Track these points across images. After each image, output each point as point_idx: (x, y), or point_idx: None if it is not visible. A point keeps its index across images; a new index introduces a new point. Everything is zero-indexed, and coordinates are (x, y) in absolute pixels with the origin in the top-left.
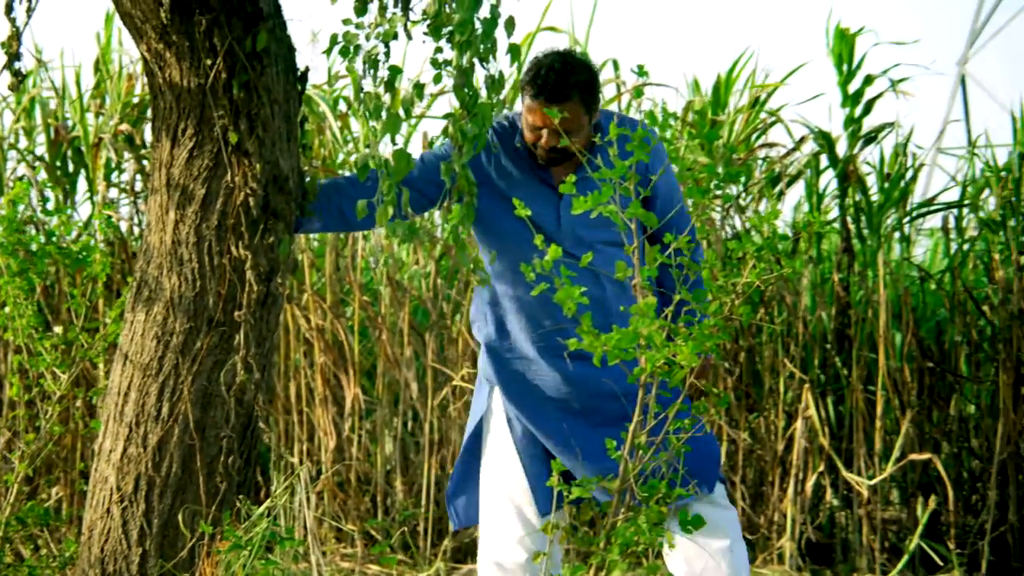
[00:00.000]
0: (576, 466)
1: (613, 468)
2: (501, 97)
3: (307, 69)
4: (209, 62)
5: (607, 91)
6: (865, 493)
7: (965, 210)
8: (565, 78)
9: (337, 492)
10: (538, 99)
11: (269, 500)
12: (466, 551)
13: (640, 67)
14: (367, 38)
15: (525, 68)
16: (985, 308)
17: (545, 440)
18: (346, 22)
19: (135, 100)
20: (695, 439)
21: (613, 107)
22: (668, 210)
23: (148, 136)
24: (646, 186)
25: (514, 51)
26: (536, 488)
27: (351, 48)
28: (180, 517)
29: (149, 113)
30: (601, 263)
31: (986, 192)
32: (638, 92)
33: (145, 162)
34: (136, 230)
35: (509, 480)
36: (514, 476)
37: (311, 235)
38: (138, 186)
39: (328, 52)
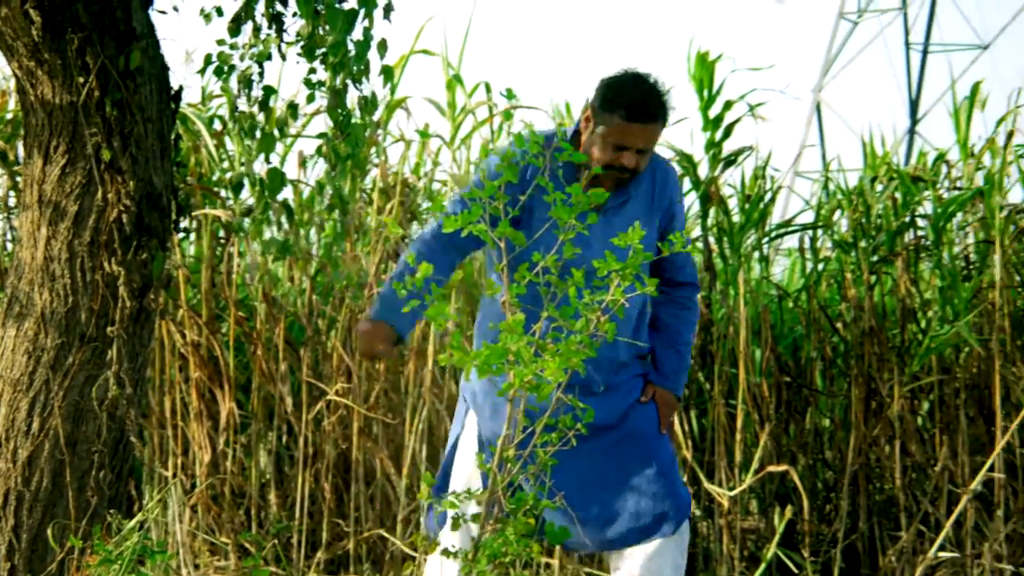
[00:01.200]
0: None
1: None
2: (375, 118)
3: (181, 88)
4: (81, 80)
5: (479, 113)
6: (726, 504)
7: (819, 231)
8: (660, 99)
9: (211, 505)
10: (639, 122)
11: (140, 513)
12: (339, 563)
13: (509, 90)
14: (241, 58)
15: (610, 93)
16: (838, 325)
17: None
18: (220, 42)
19: (8, 116)
20: (676, 475)
21: (484, 130)
22: (682, 230)
23: (21, 153)
24: (670, 213)
25: (387, 73)
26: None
27: (225, 68)
28: (50, 532)
29: (22, 130)
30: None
31: (839, 214)
32: (507, 115)
33: (18, 178)
34: (9, 246)
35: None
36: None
37: (186, 251)
38: (11, 202)
39: (202, 72)
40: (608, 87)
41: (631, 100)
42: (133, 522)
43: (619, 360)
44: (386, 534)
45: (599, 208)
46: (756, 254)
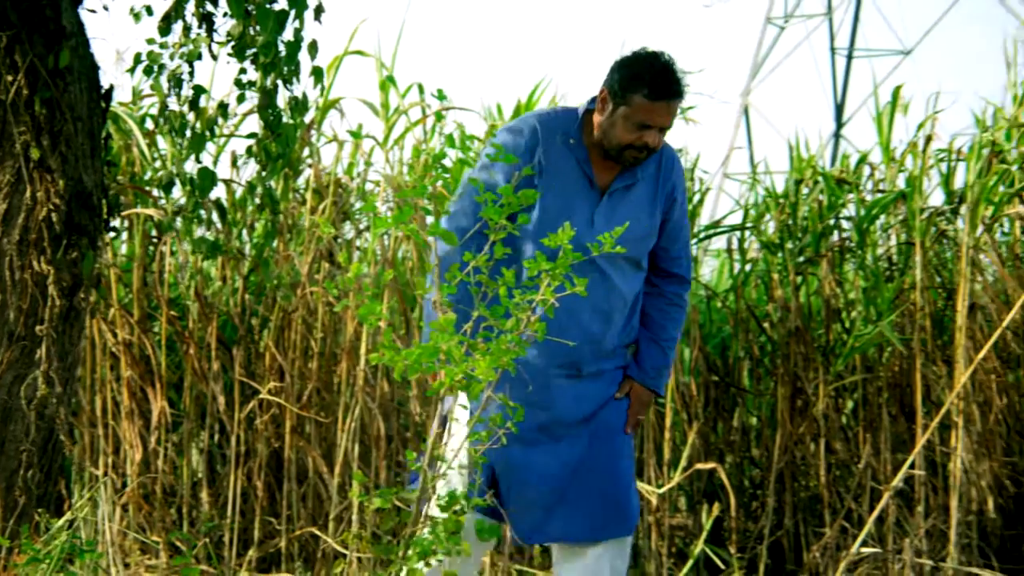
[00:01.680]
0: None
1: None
2: (306, 118)
3: (111, 87)
4: (10, 78)
5: (412, 114)
6: (654, 501)
7: (747, 233)
8: (680, 75)
9: (143, 504)
10: (658, 99)
11: (69, 512)
12: (271, 561)
13: (440, 92)
14: (171, 57)
15: (631, 72)
16: (765, 325)
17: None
18: (150, 41)
19: None
20: (633, 479)
21: (417, 130)
22: (680, 222)
23: None
24: (672, 198)
25: (317, 73)
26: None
27: (155, 67)
28: None
29: None
30: (618, 276)
31: (766, 216)
32: (439, 116)
33: None
34: None
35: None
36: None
37: (118, 250)
38: None
39: (132, 71)
40: (627, 67)
41: (653, 78)
42: (62, 521)
43: (611, 346)
44: (318, 532)
45: (605, 190)
46: None
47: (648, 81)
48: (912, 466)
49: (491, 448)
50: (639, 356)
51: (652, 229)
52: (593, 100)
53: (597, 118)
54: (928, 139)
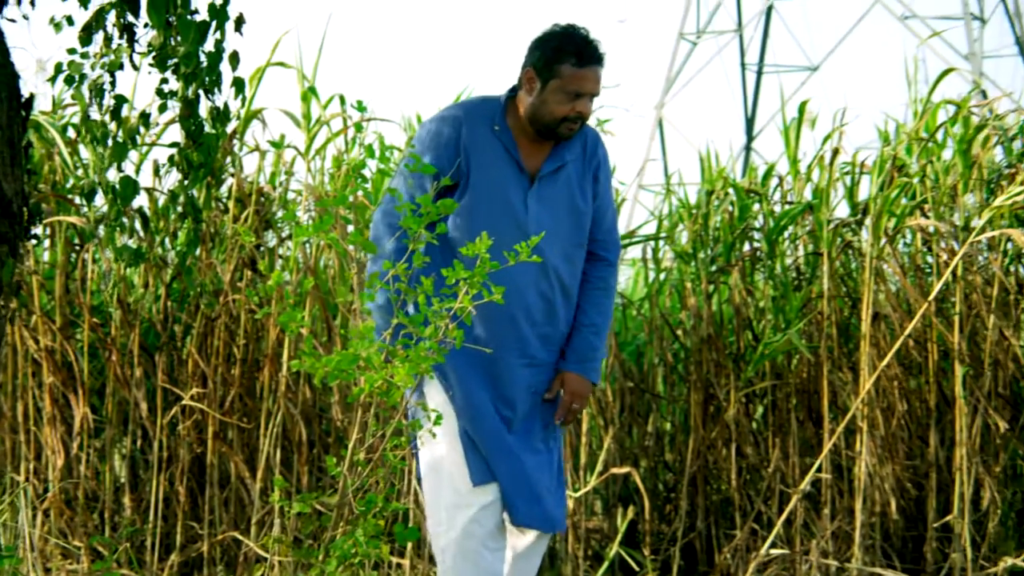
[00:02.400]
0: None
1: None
2: (227, 128)
3: (32, 96)
4: None
5: (333, 125)
6: (571, 505)
7: (661, 242)
8: (598, 43)
9: (64, 509)
10: (586, 65)
11: None
12: (193, 565)
13: (360, 103)
14: (92, 67)
15: (552, 45)
16: (679, 333)
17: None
18: (71, 51)
19: None
20: (562, 477)
21: (339, 141)
22: (605, 204)
23: None
24: (597, 176)
25: (238, 84)
26: (470, 460)
27: (76, 77)
28: None
29: None
30: (559, 258)
31: (680, 226)
32: (359, 127)
33: None
34: None
35: (448, 459)
36: (453, 454)
37: (41, 257)
38: None
39: (52, 80)
40: (549, 42)
41: (578, 47)
42: None
43: (560, 334)
44: (240, 536)
45: (533, 176)
46: None
47: (574, 51)
48: (819, 470)
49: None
50: (567, 344)
51: (587, 209)
52: (513, 88)
53: (525, 99)
54: (834, 152)
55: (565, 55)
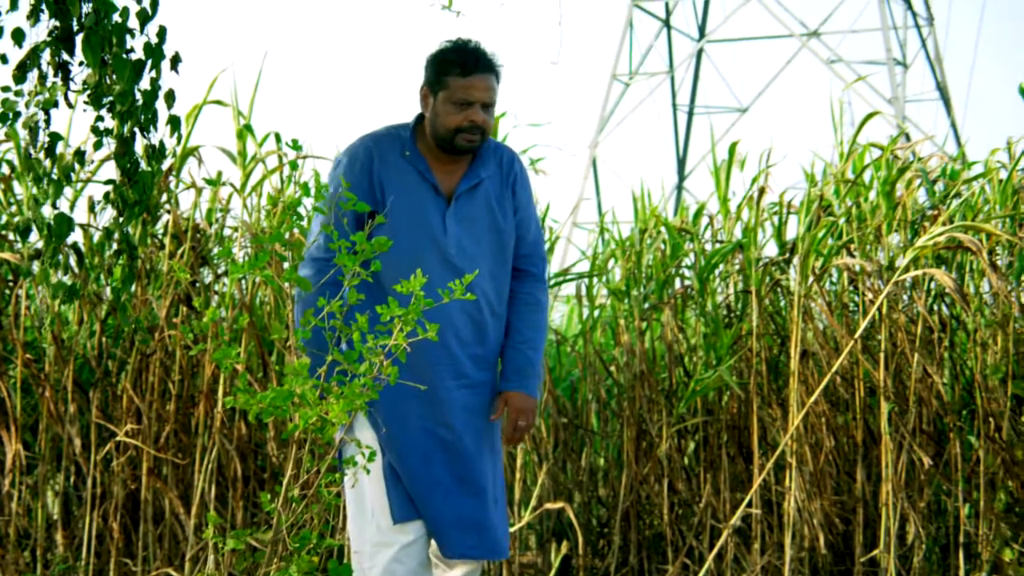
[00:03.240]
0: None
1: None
2: (164, 166)
3: None
4: None
5: (269, 162)
6: None
7: (595, 280)
8: (487, 52)
9: None
10: (475, 74)
11: None
12: None
13: (295, 141)
14: (27, 105)
15: (439, 59)
16: (612, 369)
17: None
18: (5, 89)
19: None
20: (503, 503)
21: (275, 178)
22: (527, 219)
23: None
24: (515, 193)
25: (174, 122)
26: (392, 498)
27: (10, 115)
28: None
29: None
30: (484, 277)
31: (612, 263)
32: (294, 165)
33: None
34: None
35: (371, 496)
36: (376, 492)
37: None
38: None
39: None
40: (436, 56)
41: (461, 57)
42: None
43: (491, 352)
44: (174, 573)
45: (450, 197)
46: None
47: (458, 61)
48: (749, 505)
49: (400, 461)
50: (502, 364)
51: (507, 225)
52: (421, 115)
53: (427, 118)
54: (761, 192)
55: (451, 66)
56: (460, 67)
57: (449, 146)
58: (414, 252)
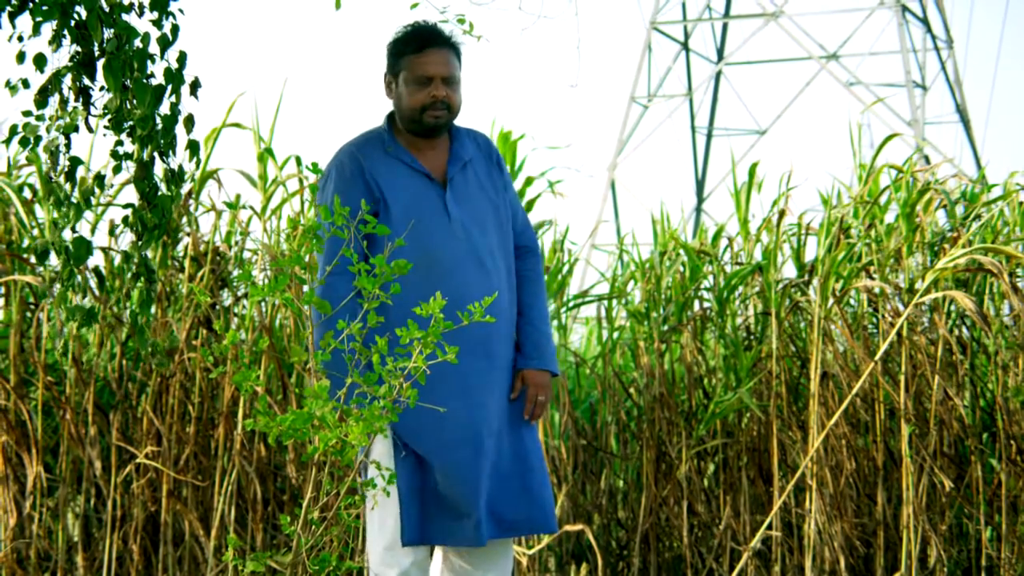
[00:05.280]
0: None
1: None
2: (183, 189)
3: None
4: None
5: (290, 185)
6: (524, 562)
7: (614, 302)
8: (439, 28)
9: (16, 569)
10: (428, 48)
11: None
12: None
13: (314, 165)
14: (48, 130)
15: (394, 42)
16: (632, 391)
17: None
18: (26, 114)
19: None
20: (544, 473)
21: (295, 201)
22: (514, 196)
23: None
24: (501, 170)
25: (193, 147)
26: (405, 520)
27: (32, 139)
28: None
29: None
30: (497, 254)
31: (632, 285)
32: (314, 188)
33: None
34: None
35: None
36: (391, 509)
37: None
38: None
39: (7, 142)
40: (392, 41)
41: (413, 36)
42: None
43: (511, 328)
44: None
45: (444, 180)
46: (555, 323)
47: (412, 39)
48: (769, 527)
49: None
50: (520, 341)
51: (501, 202)
52: (391, 113)
53: (395, 106)
54: (781, 214)
55: (405, 46)
56: (414, 44)
57: (419, 127)
58: (426, 240)
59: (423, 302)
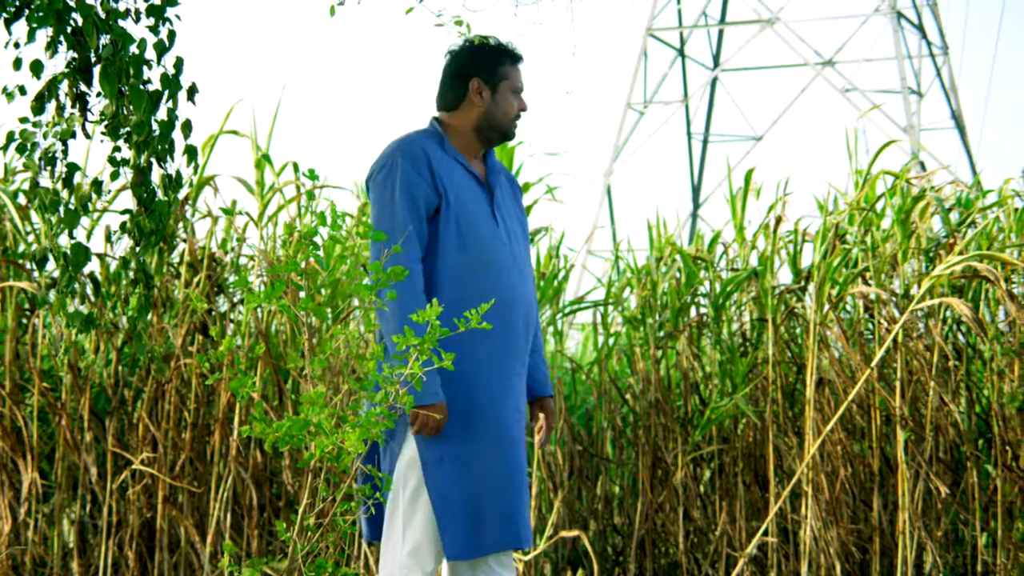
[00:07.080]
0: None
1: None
2: (180, 195)
3: None
4: None
5: (287, 192)
6: (521, 567)
7: (610, 308)
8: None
9: (11, 575)
10: (520, 62)
11: None
12: None
13: (311, 171)
14: (44, 136)
15: (492, 50)
16: (628, 397)
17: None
18: (23, 120)
19: None
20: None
21: (292, 207)
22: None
23: None
24: (520, 196)
25: (190, 152)
26: (447, 535)
27: (28, 145)
28: None
29: None
30: (525, 263)
31: (628, 292)
32: (311, 195)
33: None
34: None
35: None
36: (425, 521)
37: None
38: None
39: (4, 149)
40: (479, 51)
41: (506, 48)
42: None
43: (527, 343)
44: None
45: (482, 182)
46: (551, 329)
47: (506, 51)
48: (765, 533)
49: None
50: (529, 371)
51: (524, 218)
52: (435, 118)
53: (471, 112)
54: (778, 220)
55: (500, 56)
56: (511, 57)
57: (503, 135)
58: (480, 244)
59: (482, 302)
